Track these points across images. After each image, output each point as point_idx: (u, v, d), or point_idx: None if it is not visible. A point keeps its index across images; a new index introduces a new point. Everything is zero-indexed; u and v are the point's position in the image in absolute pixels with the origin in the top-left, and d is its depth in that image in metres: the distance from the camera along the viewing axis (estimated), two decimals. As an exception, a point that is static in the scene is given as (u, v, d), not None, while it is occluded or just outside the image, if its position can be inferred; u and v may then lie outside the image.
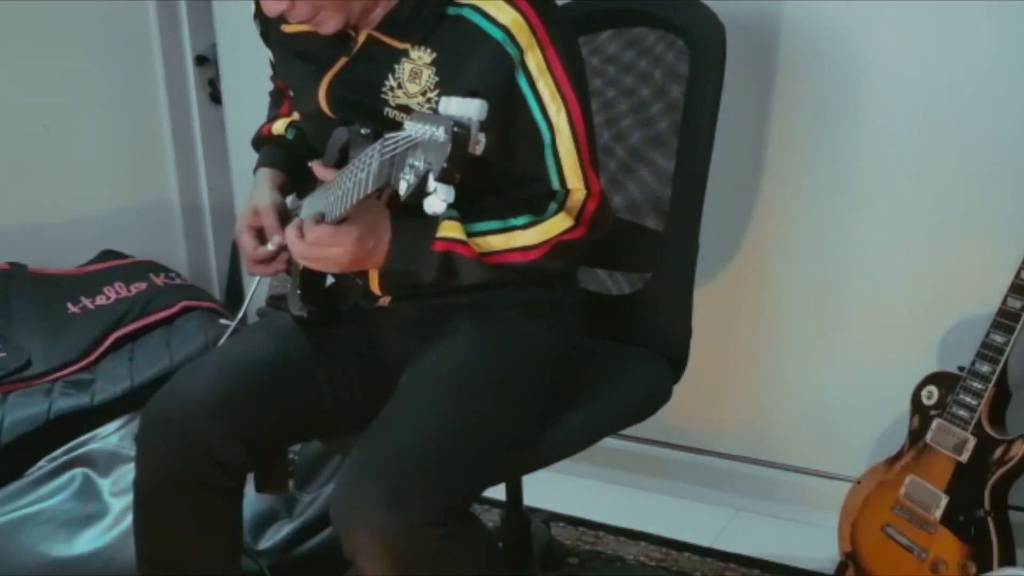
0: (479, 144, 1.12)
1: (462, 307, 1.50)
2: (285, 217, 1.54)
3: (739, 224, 2.15)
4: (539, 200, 1.44)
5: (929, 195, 1.97)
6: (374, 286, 1.49)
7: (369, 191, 1.20)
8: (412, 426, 1.34)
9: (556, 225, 1.42)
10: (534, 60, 1.38)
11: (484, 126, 1.12)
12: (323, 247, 1.34)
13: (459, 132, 1.09)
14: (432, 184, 1.11)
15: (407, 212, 1.36)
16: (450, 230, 1.37)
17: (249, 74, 2.61)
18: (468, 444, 1.35)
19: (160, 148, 2.87)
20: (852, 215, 2.05)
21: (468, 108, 1.12)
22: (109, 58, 2.73)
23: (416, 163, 1.11)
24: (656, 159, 1.69)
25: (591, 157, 1.45)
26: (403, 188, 1.12)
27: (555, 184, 1.44)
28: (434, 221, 1.37)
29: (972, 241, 1.95)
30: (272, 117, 1.73)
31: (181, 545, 1.50)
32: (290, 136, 1.68)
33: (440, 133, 1.09)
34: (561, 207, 1.43)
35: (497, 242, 1.40)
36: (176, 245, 2.94)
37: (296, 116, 1.69)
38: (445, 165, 1.09)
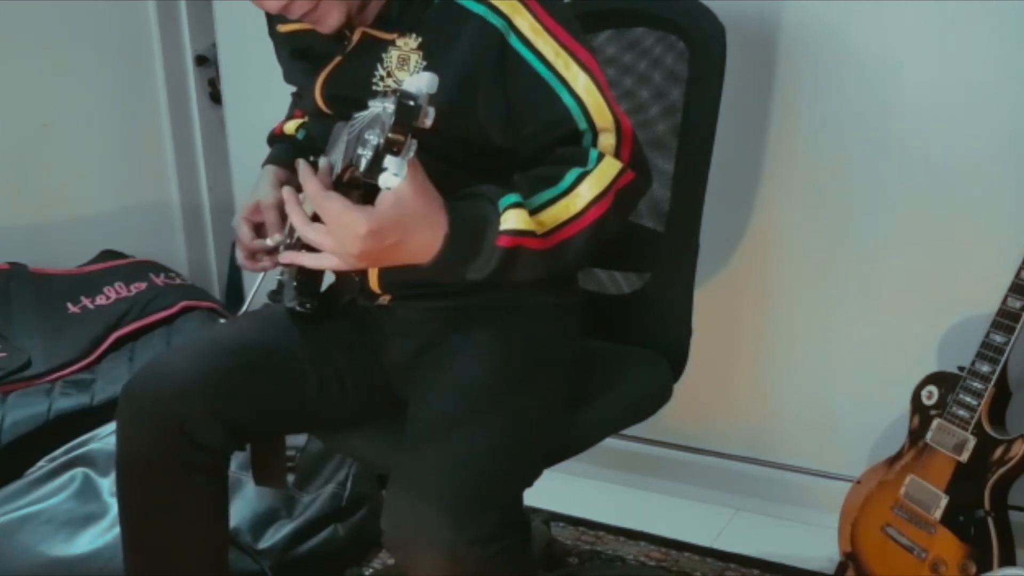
0: (427, 117, 1.13)
1: (467, 311, 1.49)
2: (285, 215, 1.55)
3: (739, 224, 2.15)
4: (575, 153, 1.34)
5: (929, 195, 1.97)
6: (373, 283, 1.49)
7: (338, 171, 1.22)
8: (459, 442, 1.32)
9: (608, 169, 1.32)
10: (526, 23, 1.34)
11: (433, 99, 1.13)
12: (338, 229, 1.23)
13: (403, 103, 1.11)
14: (387, 158, 1.13)
15: (462, 201, 1.28)
16: (517, 221, 1.25)
17: (249, 74, 2.63)
18: (513, 455, 1.35)
19: (160, 148, 2.87)
20: (852, 215, 2.05)
21: (418, 81, 1.14)
22: (109, 58, 2.74)
23: (371, 138, 1.14)
24: (656, 160, 1.69)
25: (614, 100, 1.37)
26: (363, 165, 1.14)
27: (582, 124, 1.34)
28: (494, 210, 1.26)
29: (972, 241, 1.95)
30: (287, 117, 1.74)
31: (162, 523, 1.49)
32: (300, 136, 1.68)
33: (388, 105, 1.12)
34: (601, 153, 1.33)
35: (560, 211, 1.30)
36: (176, 245, 2.94)
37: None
38: (389, 135, 1.11)
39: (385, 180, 1.13)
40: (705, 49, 1.60)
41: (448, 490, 1.26)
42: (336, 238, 1.23)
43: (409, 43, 1.40)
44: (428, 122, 1.13)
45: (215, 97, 2.87)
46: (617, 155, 1.35)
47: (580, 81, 1.35)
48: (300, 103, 1.63)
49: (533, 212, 1.28)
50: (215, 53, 2.79)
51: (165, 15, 2.78)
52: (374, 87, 1.42)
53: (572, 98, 1.35)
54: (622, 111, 1.37)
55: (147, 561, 1.52)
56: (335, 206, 1.21)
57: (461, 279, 1.30)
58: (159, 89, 2.82)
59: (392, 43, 1.41)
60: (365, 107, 1.39)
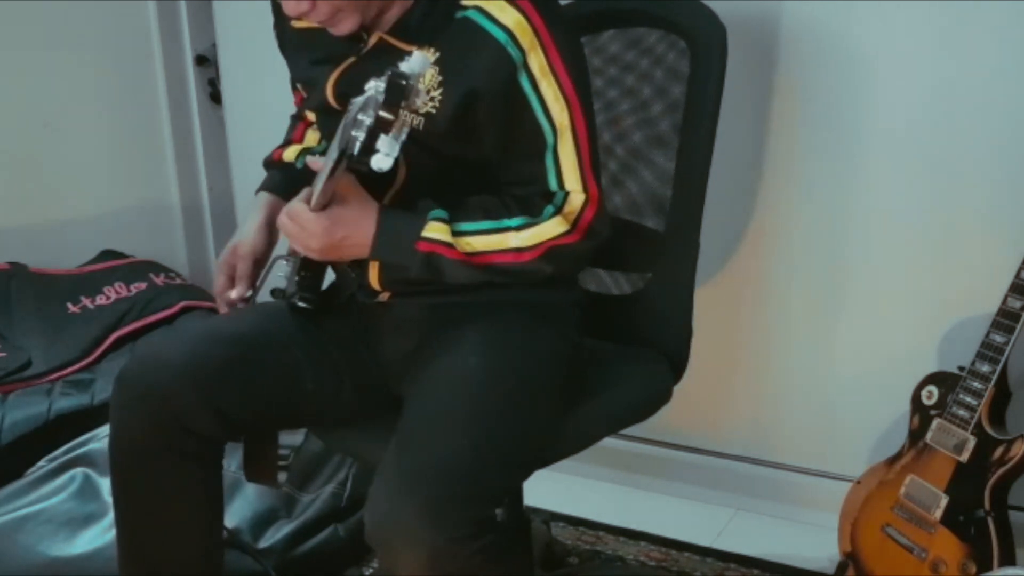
0: (419, 97, 1.18)
1: (463, 309, 1.49)
2: (261, 264, 1.59)
3: (739, 224, 2.15)
4: (535, 202, 1.44)
5: (929, 195, 1.97)
6: (373, 281, 1.49)
7: (335, 158, 1.24)
8: (442, 440, 1.33)
9: (551, 229, 1.43)
10: (537, 62, 1.38)
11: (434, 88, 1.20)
12: (300, 229, 1.39)
13: (393, 81, 1.16)
14: (379, 139, 1.17)
15: (399, 207, 1.41)
16: (435, 231, 1.38)
17: (249, 74, 2.63)
18: (497, 454, 1.35)
19: (160, 148, 2.87)
20: (852, 215, 2.05)
21: (411, 62, 1.19)
22: (109, 58, 2.73)
23: (364, 119, 1.17)
24: (657, 159, 1.69)
25: (591, 162, 1.45)
26: (355, 148, 1.18)
27: (552, 185, 1.44)
28: (422, 219, 1.38)
29: (972, 241, 1.95)
30: (286, 142, 1.74)
31: (155, 510, 1.49)
32: (299, 165, 1.68)
33: (381, 85, 1.17)
34: (558, 211, 1.44)
35: (488, 242, 1.41)
36: (176, 245, 2.94)
37: (310, 142, 1.71)
38: (379, 114, 1.15)
39: (377, 161, 1.19)
40: (706, 49, 1.60)
41: (428, 488, 1.27)
42: (300, 237, 1.40)
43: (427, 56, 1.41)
44: (419, 103, 1.18)
45: (215, 97, 2.87)
46: (581, 214, 1.44)
47: (566, 140, 1.42)
48: (307, 100, 1.62)
49: (468, 233, 1.40)
50: (215, 53, 2.79)
51: (165, 15, 2.78)
52: None
53: (553, 159, 1.43)
54: (593, 179, 1.45)
55: (140, 548, 1.52)
56: (299, 210, 1.39)
57: (410, 275, 1.40)
58: (159, 89, 2.82)
59: (410, 54, 1.41)
60: None
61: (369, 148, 1.18)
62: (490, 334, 1.47)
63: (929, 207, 1.97)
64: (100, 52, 2.71)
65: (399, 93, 1.16)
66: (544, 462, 1.49)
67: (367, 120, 1.17)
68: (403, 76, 1.16)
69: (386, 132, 1.17)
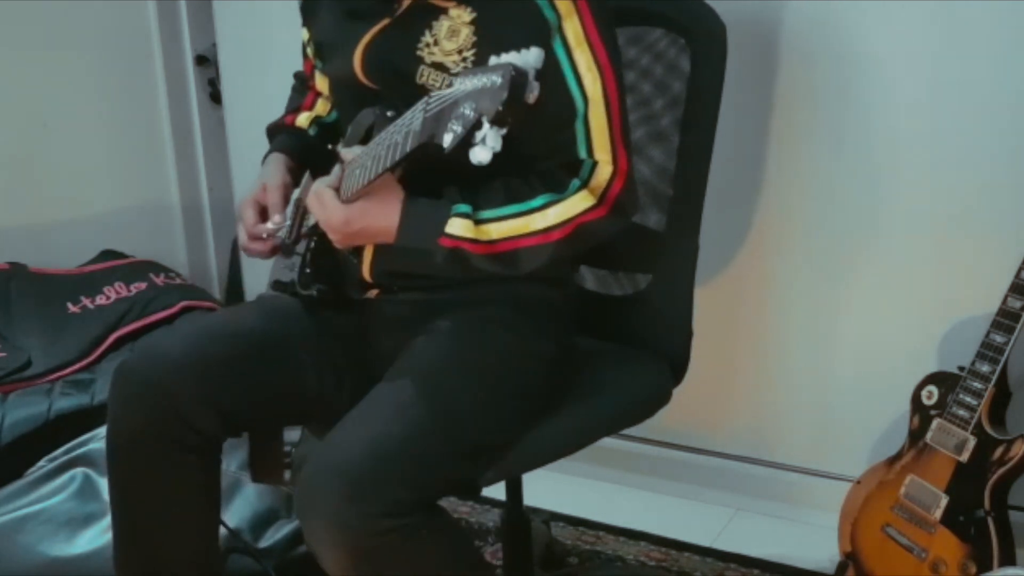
0: (534, 93, 1.14)
1: (449, 304, 1.48)
2: (287, 201, 1.55)
3: (739, 224, 2.15)
4: (560, 176, 1.40)
5: (929, 195, 1.97)
6: (365, 272, 1.49)
7: (408, 150, 1.21)
8: (377, 420, 1.32)
9: (577, 204, 1.38)
10: (572, 29, 1.35)
11: (538, 75, 1.14)
12: (326, 215, 1.37)
13: (516, 76, 1.12)
14: (482, 132, 1.13)
15: (422, 190, 1.37)
16: (458, 227, 1.34)
17: (249, 74, 2.63)
18: (434, 439, 1.32)
19: (160, 148, 2.87)
20: (852, 215, 2.05)
21: (527, 57, 1.15)
22: (109, 58, 2.74)
23: (466, 111, 1.13)
24: (656, 158, 1.69)
25: (622, 132, 1.41)
26: (448, 140, 1.14)
27: (582, 153, 1.40)
28: (445, 213, 1.35)
29: (972, 241, 1.94)
30: (294, 108, 1.72)
31: (152, 502, 1.47)
32: (312, 132, 1.67)
33: (496, 78, 1.12)
34: (584, 184, 1.39)
35: (513, 227, 1.36)
36: (176, 245, 2.95)
37: (320, 111, 1.68)
38: (500, 108, 1.11)
39: (477, 154, 1.14)
40: (706, 48, 1.60)
41: (348, 464, 1.26)
42: (323, 219, 1.38)
43: (463, 16, 1.39)
44: (533, 97, 1.14)
45: (215, 97, 2.87)
46: (608, 187, 1.39)
47: (597, 109, 1.38)
48: (328, 67, 1.59)
49: (491, 221, 1.35)
50: (215, 53, 2.79)
51: (165, 15, 2.78)
52: (418, 53, 1.40)
53: (584, 127, 1.39)
54: (624, 150, 1.41)
55: (137, 545, 1.51)
56: (328, 197, 1.37)
57: (437, 267, 1.37)
58: (159, 89, 2.82)
59: (444, 12, 1.40)
60: (404, 73, 1.38)
61: (468, 141, 1.14)
62: (461, 327, 1.45)
63: (929, 207, 1.97)
64: (100, 52, 2.72)
65: (523, 89, 1.12)
66: (538, 461, 1.48)
67: (470, 113, 1.12)
68: (522, 71, 1.13)
69: (501, 126, 1.13)
